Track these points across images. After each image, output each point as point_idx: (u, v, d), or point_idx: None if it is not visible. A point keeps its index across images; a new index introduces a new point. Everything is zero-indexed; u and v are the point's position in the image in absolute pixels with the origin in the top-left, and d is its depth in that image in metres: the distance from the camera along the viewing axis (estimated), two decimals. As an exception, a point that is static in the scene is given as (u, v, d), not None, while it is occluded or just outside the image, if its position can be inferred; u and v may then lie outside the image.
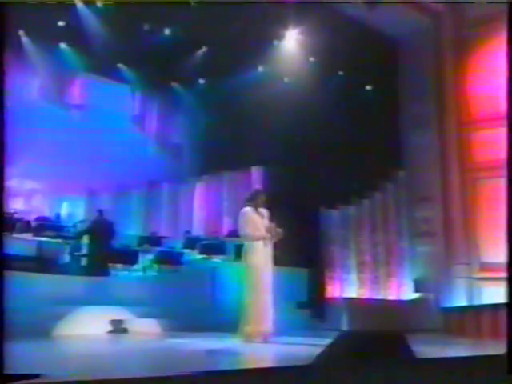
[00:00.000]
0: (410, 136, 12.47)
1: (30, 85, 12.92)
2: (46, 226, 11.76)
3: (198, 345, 6.53)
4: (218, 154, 14.28)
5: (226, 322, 7.53)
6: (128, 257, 11.53)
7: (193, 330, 8.48)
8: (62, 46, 12.76)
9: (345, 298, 10.76)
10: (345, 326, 9.97)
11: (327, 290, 10.99)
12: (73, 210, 13.79)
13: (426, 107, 12.61)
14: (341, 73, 13.68)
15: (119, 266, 11.52)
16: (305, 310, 10.83)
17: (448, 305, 11.06)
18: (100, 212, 10.89)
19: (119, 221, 14.14)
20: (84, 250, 10.71)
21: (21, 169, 13.71)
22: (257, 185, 14.75)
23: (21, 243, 10.64)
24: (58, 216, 13.37)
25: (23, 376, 2.88)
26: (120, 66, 13.47)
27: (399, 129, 12.75)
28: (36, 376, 2.91)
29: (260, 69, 13.90)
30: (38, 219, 12.37)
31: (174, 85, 14.06)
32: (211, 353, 5.69)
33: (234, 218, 14.99)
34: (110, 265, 11.39)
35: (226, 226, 14.55)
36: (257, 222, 6.69)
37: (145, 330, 9.16)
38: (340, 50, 12.58)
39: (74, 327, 8.55)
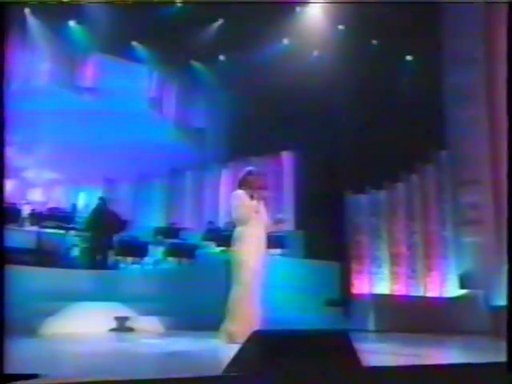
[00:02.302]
0: (455, 110, 10.84)
1: (39, 68, 12.19)
2: (54, 217, 11.07)
3: (168, 347, 5.77)
4: (244, 137, 13.21)
5: None
6: (137, 249, 10.69)
7: (203, 328, 7.56)
8: (71, 24, 11.97)
9: (374, 295, 9.44)
10: (372, 327, 8.72)
11: (354, 285, 9.71)
12: (90, 201, 13.04)
13: (473, 78, 10.98)
14: (375, 42, 12.22)
15: (129, 259, 10.86)
16: (335, 308, 9.78)
17: (499, 303, 9.42)
18: (102, 200, 9.99)
19: (139, 211, 13.46)
20: (85, 242, 9.86)
21: (34, 159, 13.18)
22: (287, 170, 13.74)
23: (21, 235, 10.06)
24: (74, 207, 12.70)
25: (20, 376, 2.85)
26: (134, 44, 12.56)
27: (442, 103, 11.18)
28: (34, 376, 2.88)
29: (285, 41, 12.65)
30: (50, 210, 11.75)
31: (194, 63, 13.02)
32: (170, 356, 4.94)
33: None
34: (120, 258, 10.77)
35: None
36: (250, 206, 5.70)
37: (147, 328, 8.30)
38: (372, 16, 11.15)
39: (70, 324, 7.83)
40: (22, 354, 4.44)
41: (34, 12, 11.56)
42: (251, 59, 12.31)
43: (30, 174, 13.19)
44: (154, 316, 8.62)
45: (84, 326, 7.89)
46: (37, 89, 12.05)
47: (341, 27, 12.04)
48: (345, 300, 9.73)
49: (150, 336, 7.52)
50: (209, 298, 8.85)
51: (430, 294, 10.19)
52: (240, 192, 5.75)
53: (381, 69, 12.05)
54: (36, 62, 12.10)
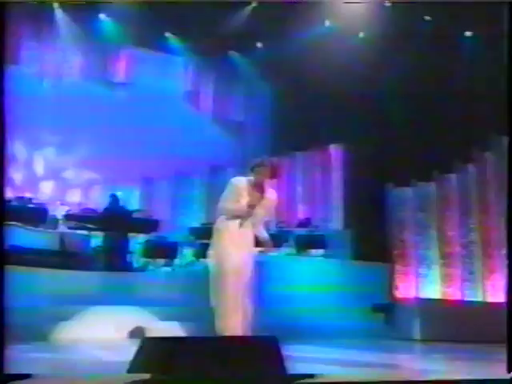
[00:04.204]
0: (519, 91, 9.52)
1: (71, 65, 11.81)
2: (86, 218, 10.61)
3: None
4: (288, 131, 12.34)
5: (272, 324, 6.64)
6: (166, 250, 10.06)
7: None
8: (102, 17, 11.50)
9: (421, 299, 8.31)
10: (418, 336, 7.64)
11: (399, 288, 8.61)
12: (127, 200, 12.54)
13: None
14: (428, 18, 10.99)
15: (160, 261, 10.26)
16: (382, 313, 8.81)
17: None
18: (113, 197, 9.38)
19: (176, 210, 12.86)
20: (100, 242, 9.32)
21: (72, 159, 12.85)
22: (336, 164, 12.73)
23: (43, 236, 9.65)
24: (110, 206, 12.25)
25: (16, 376, 2.92)
26: (168, 35, 11.95)
27: (504, 83, 9.85)
28: (27, 376, 2.94)
29: (327, 23, 11.61)
30: (83, 211, 11.34)
31: (231, 52, 12.25)
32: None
33: (310, 205, 13.13)
34: (150, 260, 10.20)
35: (302, 214, 12.59)
36: (243, 198, 4.74)
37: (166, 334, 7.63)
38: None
39: (81, 330, 7.61)
40: (23, 358, 4.33)
41: (62, 7, 11.17)
42: (291, 45, 11.41)
43: (68, 175, 12.87)
44: (176, 321, 8.04)
45: (99, 331, 7.56)
46: (69, 86, 11.70)
47: (388, 4, 10.88)
48: (391, 305, 8.69)
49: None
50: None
51: (491, 299, 8.90)
52: (242, 179, 4.85)
53: (435, 48, 10.89)
54: (67, 59, 11.71)
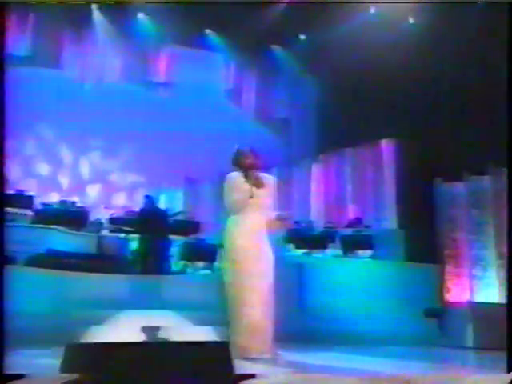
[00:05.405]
0: None
1: (110, 67, 11.71)
2: (126, 220, 10.44)
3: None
4: (336, 126, 11.72)
5: (316, 330, 6.75)
6: (204, 253, 9.69)
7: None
8: (140, 16, 11.33)
9: (474, 303, 7.53)
10: (470, 343, 6.91)
11: (451, 291, 7.84)
12: (171, 203, 12.31)
13: None
14: (483, -2, 10.11)
15: (200, 263, 9.92)
16: (434, 319, 8.12)
17: None
18: (149, 198, 9.10)
19: (221, 212, 12.45)
20: (137, 245, 9.07)
21: (117, 162, 12.78)
22: (388, 160, 11.99)
23: (81, 240, 9.53)
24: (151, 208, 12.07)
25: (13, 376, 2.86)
26: (207, 31, 11.63)
27: None
28: (21, 376, 2.88)
29: (372, 10, 10.91)
30: (126, 214, 11.19)
31: (273, 47, 11.78)
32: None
33: (361, 204, 12.45)
34: (189, 263, 9.88)
35: (352, 213, 11.94)
36: (244, 190, 4.76)
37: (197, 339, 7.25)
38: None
39: (112, 335, 7.22)
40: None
41: (100, 8, 11.08)
42: (335, 35, 10.81)
43: (113, 178, 12.81)
44: (209, 326, 7.67)
45: (129, 335, 7.29)
46: (110, 89, 11.60)
47: (440, -18, 10.11)
48: (444, 309, 7.98)
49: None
50: (280, 307, 7.68)
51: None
52: (234, 174, 4.88)
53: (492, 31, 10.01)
54: (108, 61, 11.61)
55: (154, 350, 3.00)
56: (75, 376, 2.67)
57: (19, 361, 3.33)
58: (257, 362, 4.50)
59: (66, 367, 2.84)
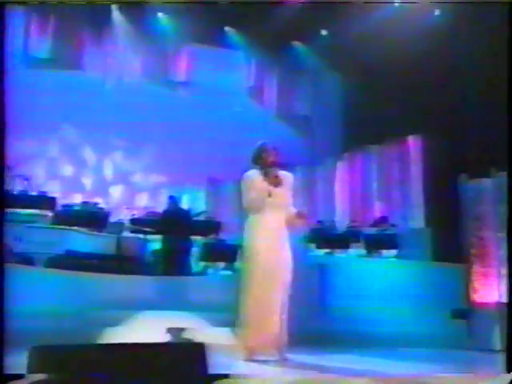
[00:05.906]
0: None
1: (131, 66, 11.67)
2: (147, 221, 10.38)
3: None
4: (360, 123, 11.46)
5: (340, 331, 6.58)
6: (225, 253, 9.54)
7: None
8: (160, 15, 11.25)
9: (502, 304, 7.19)
10: (497, 346, 6.58)
11: (479, 291, 7.51)
12: (193, 203, 12.21)
13: None
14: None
15: (221, 264, 9.80)
16: (462, 320, 7.81)
17: None
18: (172, 199, 9.00)
19: (243, 212, 12.29)
20: (158, 245, 8.99)
21: (140, 163, 12.74)
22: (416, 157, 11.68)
23: (100, 241, 9.49)
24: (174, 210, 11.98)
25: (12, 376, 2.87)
26: (227, 29, 11.49)
27: None
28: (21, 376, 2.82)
29: (396, 3, 10.57)
30: (147, 214, 11.14)
31: (294, 43, 11.57)
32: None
33: (387, 203, 12.16)
34: (209, 263, 9.76)
35: (378, 212, 11.68)
36: (261, 188, 4.63)
37: (218, 341, 7.14)
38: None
39: (129, 336, 7.16)
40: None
41: (120, 9, 11.05)
42: (358, 30, 10.53)
43: (135, 179, 12.78)
44: (228, 328, 7.54)
45: (147, 337, 7.21)
46: (132, 88, 11.56)
47: (465, -25, 9.75)
48: (471, 310, 7.66)
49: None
50: (298, 308, 7.51)
51: None
52: (251, 172, 4.74)
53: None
54: (128, 61, 11.58)
55: (128, 351, 2.90)
56: (43, 376, 2.63)
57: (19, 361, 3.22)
58: (262, 364, 4.34)
59: (32, 368, 2.81)
